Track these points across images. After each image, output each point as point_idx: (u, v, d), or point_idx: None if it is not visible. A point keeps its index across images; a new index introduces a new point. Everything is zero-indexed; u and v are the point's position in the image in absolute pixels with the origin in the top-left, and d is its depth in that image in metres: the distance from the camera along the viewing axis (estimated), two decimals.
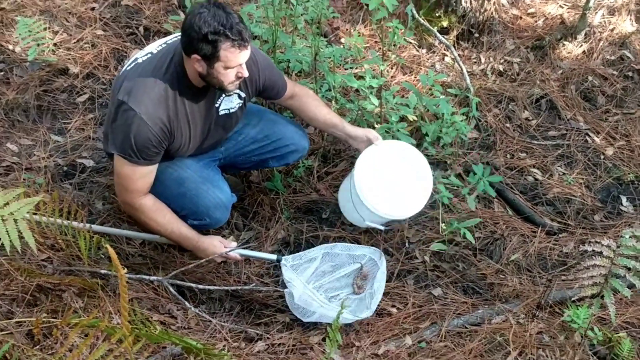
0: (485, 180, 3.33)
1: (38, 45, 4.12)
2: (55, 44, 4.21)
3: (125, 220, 3.37)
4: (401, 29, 3.50)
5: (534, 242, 3.47)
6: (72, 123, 3.87)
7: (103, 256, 3.12)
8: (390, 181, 3.19)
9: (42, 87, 3.97)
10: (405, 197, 3.16)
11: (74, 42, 4.25)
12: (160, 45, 2.89)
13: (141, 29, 4.43)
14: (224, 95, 2.95)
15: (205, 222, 3.07)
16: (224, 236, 3.43)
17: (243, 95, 3.04)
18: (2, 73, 4.02)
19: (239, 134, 3.26)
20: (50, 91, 3.99)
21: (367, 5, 3.22)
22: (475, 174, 3.35)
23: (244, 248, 3.21)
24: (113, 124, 2.80)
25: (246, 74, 2.77)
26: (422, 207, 3.17)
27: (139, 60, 2.85)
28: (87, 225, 2.86)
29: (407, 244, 3.40)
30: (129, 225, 3.35)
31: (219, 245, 3.05)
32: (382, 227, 3.27)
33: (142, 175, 2.85)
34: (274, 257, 3.14)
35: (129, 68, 2.87)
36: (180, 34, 2.79)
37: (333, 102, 3.60)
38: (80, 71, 4.08)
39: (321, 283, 3.12)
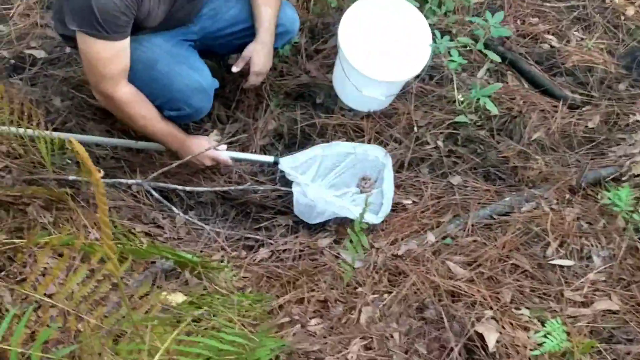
0: (494, 25, 2.90)
1: None
2: None
3: (90, 118, 2.89)
4: None
5: (555, 118, 3.08)
6: (14, 8, 3.31)
7: (70, 161, 2.66)
8: (381, 39, 2.84)
9: None
10: (401, 56, 2.81)
11: None
12: None
13: None
14: None
15: (184, 112, 2.61)
16: (205, 130, 2.98)
17: None
18: None
19: (215, 11, 2.76)
20: None
21: None
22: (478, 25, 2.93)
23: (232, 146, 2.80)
24: None
25: None
26: (422, 66, 2.82)
27: None
28: (46, 132, 2.36)
29: (415, 128, 2.98)
30: (95, 123, 2.88)
31: (207, 146, 2.63)
32: (382, 97, 2.91)
33: (116, 52, 2.36)
34: (270, 158, 2.73)
35: None
36: None
37: None
38: None
39: (325, 182, 2.72)
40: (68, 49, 3.09)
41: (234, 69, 2.76)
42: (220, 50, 2.90)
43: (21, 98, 2.82)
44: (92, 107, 2.90)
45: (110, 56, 2.35)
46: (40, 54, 3.11)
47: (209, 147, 2.61)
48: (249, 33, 2.80)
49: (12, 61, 3.08)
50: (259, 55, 2.72)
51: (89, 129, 2.85)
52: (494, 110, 2.83)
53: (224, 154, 2.68)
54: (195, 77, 2.56)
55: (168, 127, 2.59)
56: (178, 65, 2.56)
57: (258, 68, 2.74)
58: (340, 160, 2.77)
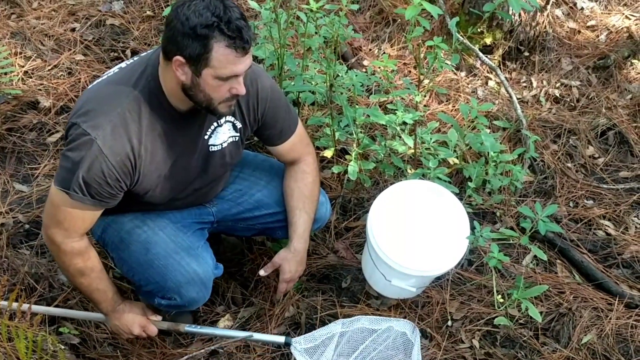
0: (543, 218, 2.57)
1: (6, 73, 3.49)
2: (26, 72, 3.58)
3: None
4: (444, 50, 2.77)
5: (610, 318, 2.73)
6: (40, 168, 3.21)
7: (64, 346, 2.46)
8: (414, 228, 2.59)
9: (5, 125, 3.33)
10: (435, 247, 2.56)
11: (49, 69, 3.61)
12: (132, 59, 2.23)
13: (128, 52, 3.79)
14: (215, 124, 2.26)
15: (175, 302, 2.37)
16: (217, 314, 2.75)
17: (239, 125, 2.33)
18: None
19: (240, 193, 2.57)
20: (16, 129, 3.35)
21: (395, 20, 2.52)
22: (526, 218, 2.60)
23: (239, 329, 2.55)
24: (62, 153, 2.11)
25: (243, 90, 2.07)
26: (457, 260, 2.54)
27: (104, 77, 2.19)
28: (25, 305, 2.14)
29: (449, 322, 2.68)
30: None
31: (140, 316, 2.41)
32: (413, 289, 2.62)
33: (84, 217, 2.16)
34: (281, 339, 2.46)
35: (90, 87, 2.21)
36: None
37: (355, 144, 2.89)
38: (52, 104, 3.44)
39: None
40: None
41: (262, 273, 2.56)
42: (241, 232, 2.70)
43: (24, 272, 2.69)
44: None
45: (76, 217, 2.14)
46: None
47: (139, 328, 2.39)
48: (275, 219, 2.61)
49: (27, 226, 2.95)
50: (289, 264, 2.53)
51: (92, 307, 2.65)
52: (537, 317, 2.50)
53: (153, 327, 2.42)
54: (193, 267, 2.33)
55: (104, 289, 2.33)
56: (177, 252, 2.34)
57: (288, 276, 2.54)
58: (364, 337, 2.48)
